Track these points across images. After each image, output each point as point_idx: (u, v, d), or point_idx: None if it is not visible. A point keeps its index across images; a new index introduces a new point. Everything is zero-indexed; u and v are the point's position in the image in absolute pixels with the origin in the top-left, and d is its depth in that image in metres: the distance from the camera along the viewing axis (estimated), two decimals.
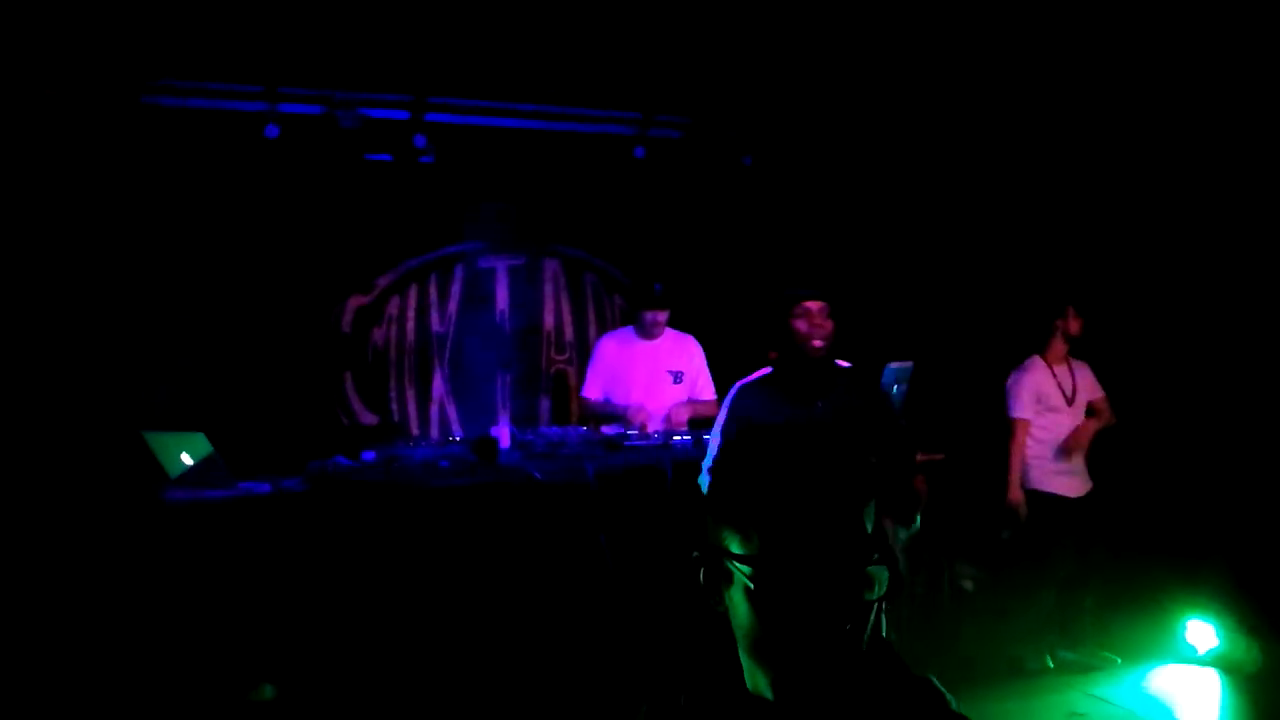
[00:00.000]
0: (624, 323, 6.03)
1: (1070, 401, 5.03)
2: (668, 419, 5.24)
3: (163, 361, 5.60)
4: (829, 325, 3.71)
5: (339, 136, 5.85)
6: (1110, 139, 5.62)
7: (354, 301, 6.32)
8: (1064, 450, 5.02)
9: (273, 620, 4.04)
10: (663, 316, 5.31)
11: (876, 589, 1.06)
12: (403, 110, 6.05)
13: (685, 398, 5.36)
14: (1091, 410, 5.12)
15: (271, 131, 5.72)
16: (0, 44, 4.98)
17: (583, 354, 6.55)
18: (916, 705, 1.13)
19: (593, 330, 6.77)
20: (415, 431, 6.38)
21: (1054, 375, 5.05)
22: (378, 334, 6.40)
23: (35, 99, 5.28)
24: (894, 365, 5.36)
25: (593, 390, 5.43)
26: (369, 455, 4.83)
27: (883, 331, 6.34)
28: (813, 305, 3.72)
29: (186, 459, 4.49)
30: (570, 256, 6.81)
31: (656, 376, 5.34)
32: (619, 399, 5.33)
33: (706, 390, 5.43)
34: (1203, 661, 4.98)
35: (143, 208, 5.63)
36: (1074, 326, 5.01)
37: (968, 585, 5.68)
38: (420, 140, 6.01)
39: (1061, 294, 5.09)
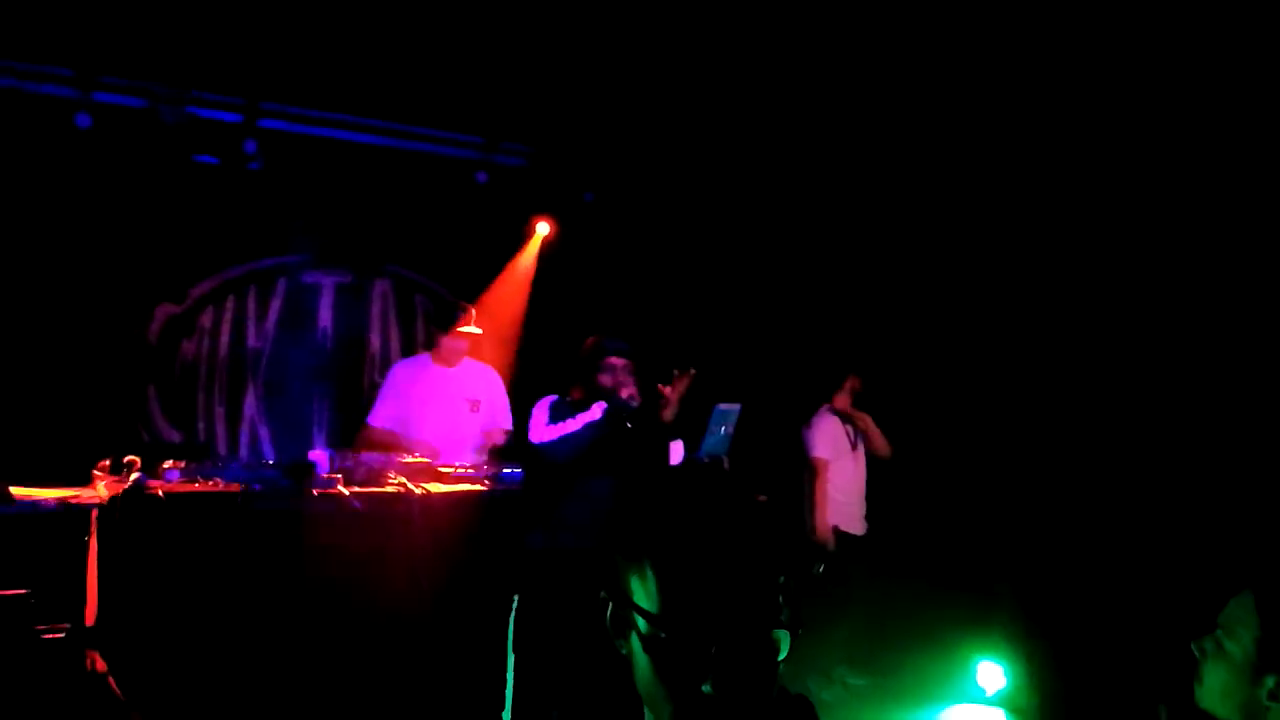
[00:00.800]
0: (431, 342, 5.86)
1: (854, 447, 5.64)
2: (481, 451, 5.14)
3: None
4: (631, 381, 4.21)
5: (161, 133, 5.48)
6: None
7: (164, 310, 5.91)
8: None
9: (51, 646, 3.67)
10: (463, 344, 5.14)
11: (780, 653, 1.05)
12: (234, 113, 5.73)
13: (482, 427, 5.25)
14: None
15: (83, 121, 5.29)
16: None
17: None
18: None
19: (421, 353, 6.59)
20: (223, 451, 5.99)
21: (840, 423, 5.64)
22: (188, 346, 6.00)
23: None
24: (722, 407, 5.47)
25: (380, 418, 5.14)
26: (173, 474, 4.49)
27: (713, 373, 6.47)
28: (617, 361, 4.23)
29: None
30: (403, 277, 6.62)
31: (453, 404, 5.16)
32: (413, 427, 5.09)
33: (505, 420, 5.33)
34: (992, 702, 5.29)
35: None
36: (858, 384, 5.66)
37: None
38: (250, 145, 5.71)
39: (850, 356, 5.77)
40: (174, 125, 5.46)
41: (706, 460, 5.36)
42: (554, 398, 4.26)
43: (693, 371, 4.26)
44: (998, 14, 4.56)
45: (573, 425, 4.07)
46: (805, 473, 5.54)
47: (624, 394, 4.14)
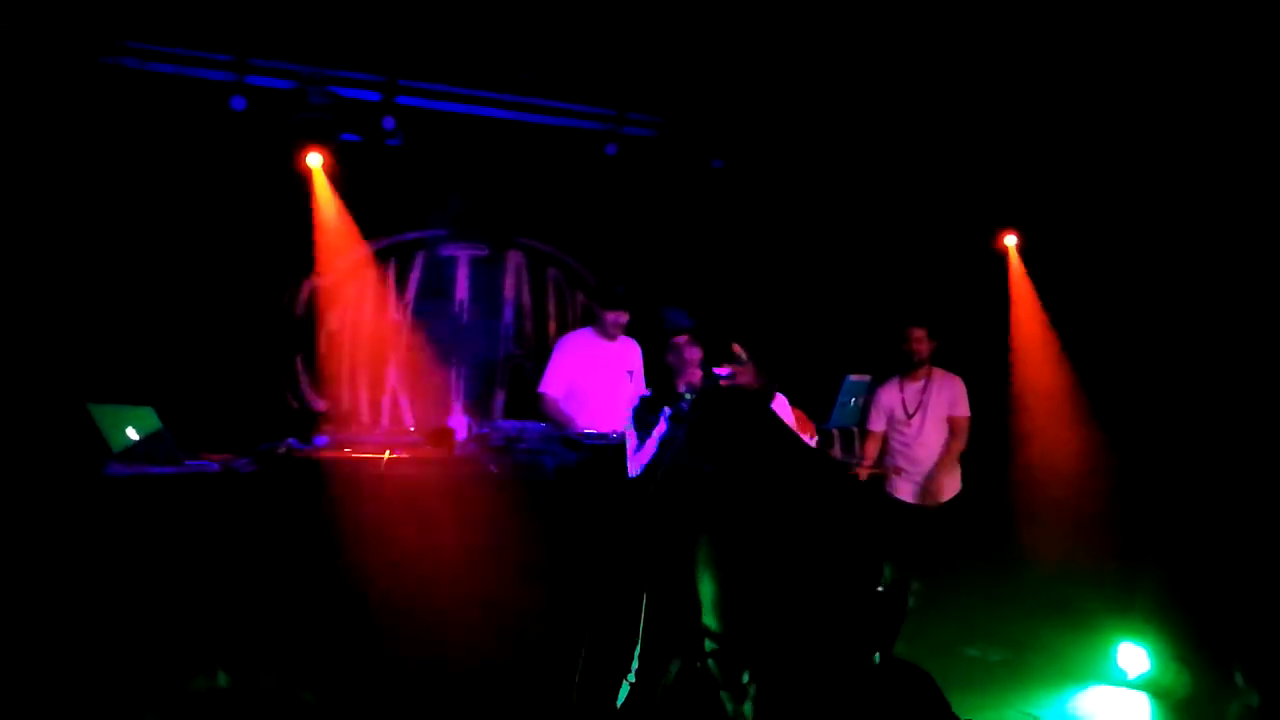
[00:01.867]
0: (584, 319, 6.00)
1: (910, 415, 5.49)
2: None
3: (115, 335, 5.41)
4: (696, 357, 4.00)
5: (307, 113, 5.72)
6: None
7: (311, 284, 6.19)
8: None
9: (219, 602, 3.94)
10: (624, 319, 5.37)
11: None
12: (374, 91, 5.94)
13: (634, 397, 5.39)
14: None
15: (238, 103, 5.57)
16: None
17: (541, 348, 6.49)
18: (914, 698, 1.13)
19: (552, 325, 6.72)
20: (365, 420, 6.26)
21: (901, 391, 5.51)
22: (332, 318, 6.27)
23: None
24: (853, 378, 5.44)
25: (554, 387, 5.40)
26: (321, 440, 4.74)
27: (843, 342, 6.41)
28: (679, 340, 4.09)
29: (133, 433, 4.37)
30: (535, 250, 6.75)
31: (616, 376, 5.40)
32: (579, 396, 5.34)
33: (645, 391, 5.46)
34: (1133, 685, 5.09)
35: (98, 174, 5.44)
36: (916, 348, 5.48)
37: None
38: (389, 123, 5.91)
39: (905, 316, 5.57)
40: (319, 105, 5.69)
41: (835, 431, 5.34)
42: (633, 408, 4.21)
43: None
44: None
45: (649, 449, 4.00)
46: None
47: (683, 381, 3.95)
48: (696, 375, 3.94)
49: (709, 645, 1.07)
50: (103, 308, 5.42)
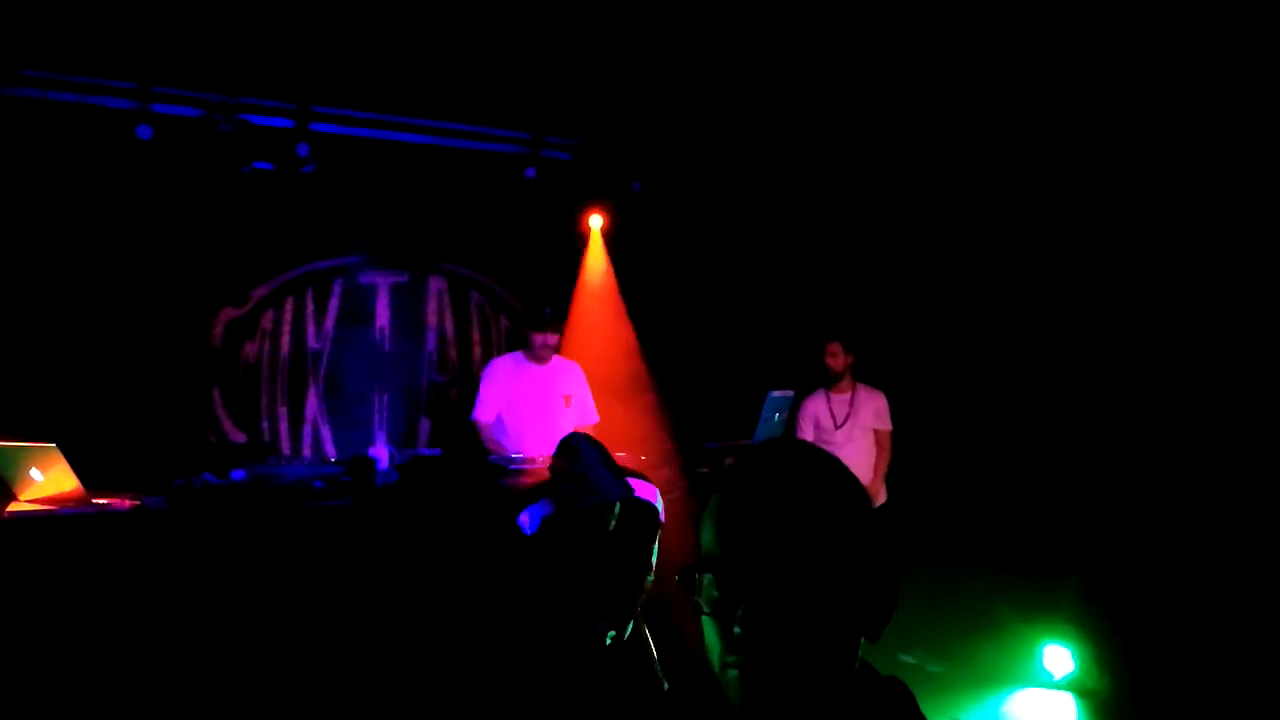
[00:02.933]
0: (510, 344, 5.96)
1: (839, 425, 5.60)
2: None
3: (17, 369, 5.22)
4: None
5: (217, 141, 5.61)
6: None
7: (226, 314, 6.05)
8: None
9: (128, 644, 3.80)
10: (553, 339, 5.24)
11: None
12: (286, 118, 5.85)
13: (574, 423, 5.32)
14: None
15: (144, 132, 5.45)
16: None
17: (465, 374, 6.44)
18: (889, 706, 1.14)
19: (478, 351, 6.66)
20: (286, 451, 6.13)
21: (828, 402, 5.60)
22: (250, 348, 6.14)
23: None
24: (775, 394, 5.49)
25: (485, 413, 5.26)
26: (238, 474, 4.61)
27: (764, 359, 6.48)
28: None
29: (35, 474, 4.20)
30: (456, 274, 6.70)
31: (550, 400, 5.28)
32: (511, 423, 5.23)
33: (591, 415, 5.42)
34: (1059, 686, 5.20)
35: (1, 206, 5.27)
36: (831, 363, 5.60)
37: None
38: (303, 149, 5.83)
39: (825, 330, 5.69)
40: (229, 133, 5.58)
41: (760, 442, 5.36)
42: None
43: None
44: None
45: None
46: None
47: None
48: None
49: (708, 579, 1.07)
50: (6, 342, 5.23)
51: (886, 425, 5.69)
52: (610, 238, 6.82)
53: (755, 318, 6.83)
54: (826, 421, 5.64)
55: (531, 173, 6.46)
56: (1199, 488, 4.72)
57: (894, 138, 6.15)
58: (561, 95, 6.04)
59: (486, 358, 6.18)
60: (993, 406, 5.91)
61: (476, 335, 6.72)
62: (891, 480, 5.79)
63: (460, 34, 5.21)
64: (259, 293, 6.14)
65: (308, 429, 6.27)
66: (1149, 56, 4.59)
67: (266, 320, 6.17)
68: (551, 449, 5.05)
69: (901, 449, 5.81)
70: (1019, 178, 5.73)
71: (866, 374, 5.75)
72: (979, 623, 5.42)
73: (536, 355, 5.24)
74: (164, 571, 3.99)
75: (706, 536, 1.11)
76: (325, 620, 4.10)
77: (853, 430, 5.62)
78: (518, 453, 5.01)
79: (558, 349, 5.32)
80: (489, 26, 5.14)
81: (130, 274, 5.59)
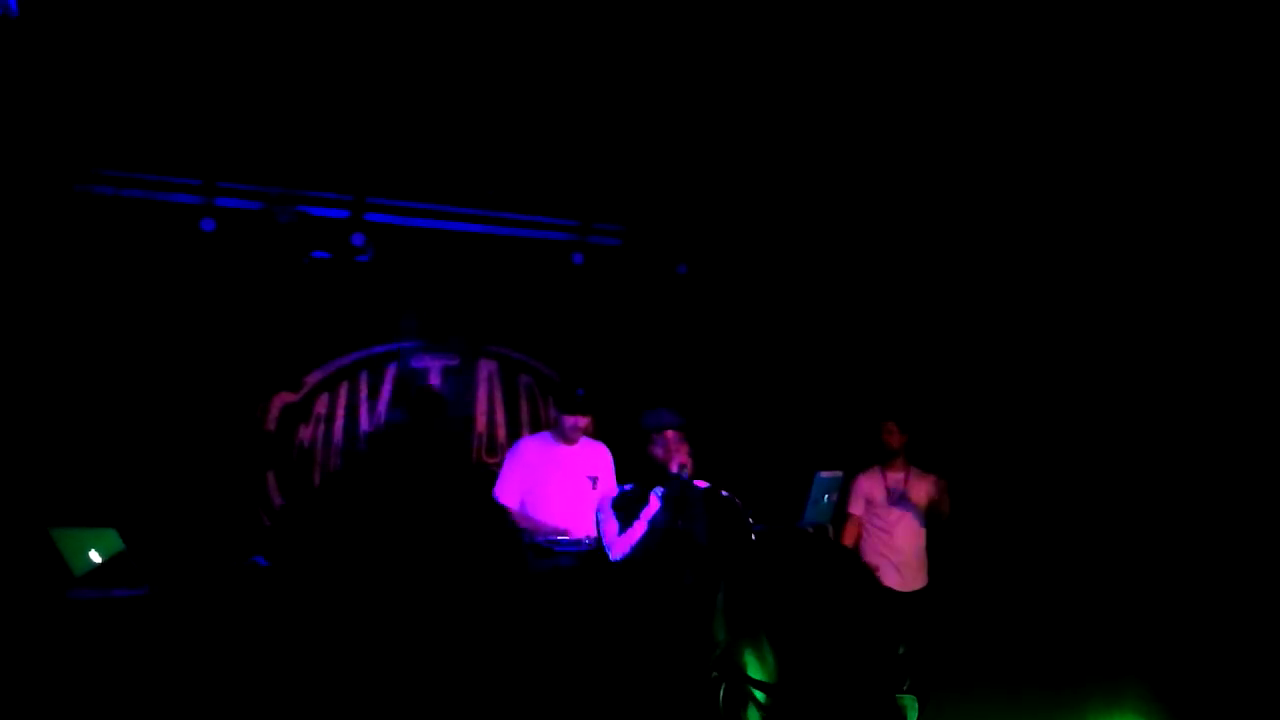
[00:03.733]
0: (554, 423, 5.99)
1: (893, 503, 5.53)
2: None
3: (80, 455, 5.39)
4: (684, 451, 4.21)
5: (276, 233, 5.83)
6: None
7: (281, 399, 6.19)
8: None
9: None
10: (583, 422, 5.21)
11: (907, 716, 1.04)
12: (342, 209, 6.07)
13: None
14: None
15: (207, 225, 5.69)
16: None
17: None
18: None
19: (526, 432, 6.72)
20: None
21: (884, 480, 5.55)
22: (304, 432, 6.26)
23: None
24: (824, 474, 5.43)
25: (507, 495, 5.21)
26: None
27: (813, 441, 6.44)
28: (670, 435, 4.25)
29: (95, 556, 4.30)
30: (506, 358, 6.80)
31: (576, 481, 5.25)
32: (534, 503, 5.18)
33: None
34: None
35: (68, 296, 5.51)
36: (892, 440, 5.53)
37: None
38: (358, 239, 6.02)
39: (882, 409, 5.63)
40: (288, 224, 5.80)
41: (810, 529, 5.30)
42: (611, 499, 4.32)
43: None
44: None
45: (639, 529, 4.09)
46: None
47: (674, 466, 4.14)
48: (683, 462, 4.16)
49: (764, 698, 1.05)
50: (69, 427, 5.41)
51: (945, 508, 5.54)
52: (657, 322, 6.89)
53: (803, 398, 6.82)
54: (879, 498, 5.54)
55: (579, 258, 6.59)
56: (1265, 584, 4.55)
57: (946, 215, 6.18)
58: (608, 184, 6.19)
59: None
60: (1046, 497, 5.77)
61: (525, 416, 6.79)
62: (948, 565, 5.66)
63: (509, 126, 5.40)
64: (313, 378, 6.28)
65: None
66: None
67: (321, 405, 6.30)
68: (578, 529, 5.06)
69: (958, 532, 5.68)
70: (1076, 258, 5.71)
71: (917, 457, 5.66)
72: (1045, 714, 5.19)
73: (566, 436, 5.23)
74: (214, 649, 4.03)
75: (754, 669, 1.09)
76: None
77: (905, 509, 5.52)
78: (549, 533, 5.00)
79: (589, 431, 5.31)
80: (537, 118, 5.32)
81: (191, 361, 5.78)
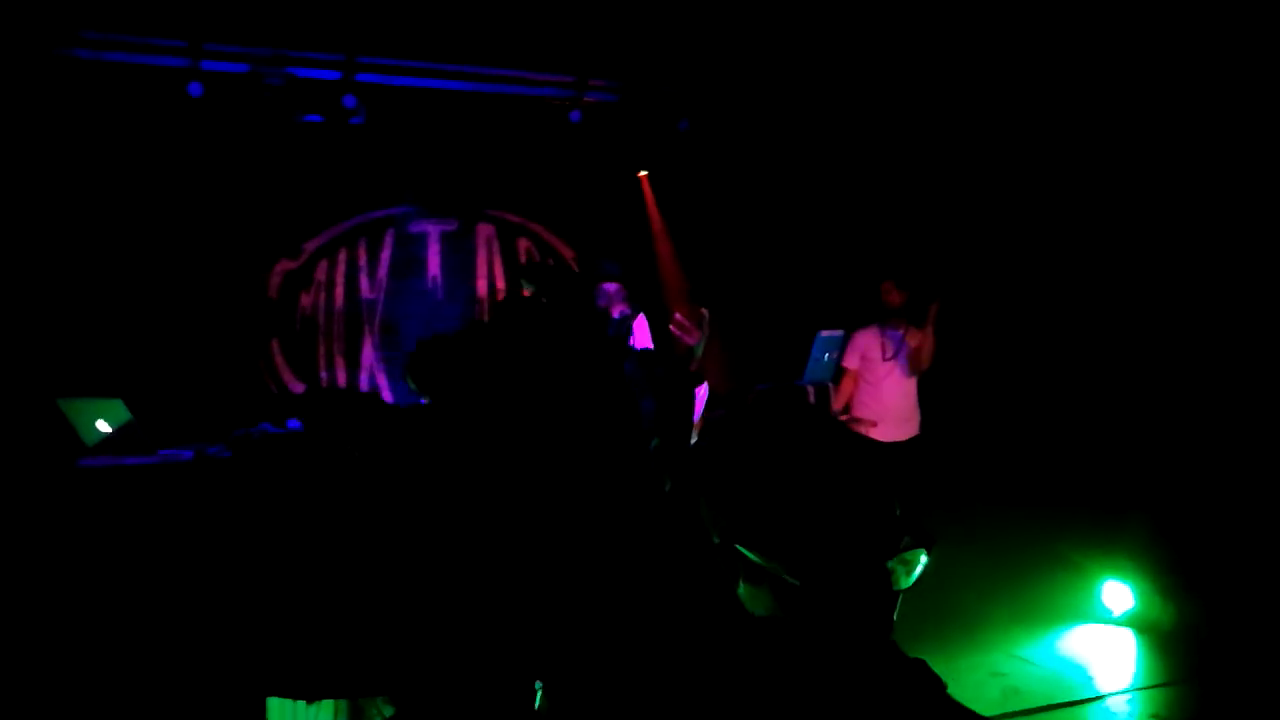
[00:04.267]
0: None
1: (886, 359, 5.54)
2: None
3: (82, 326, 5.41)
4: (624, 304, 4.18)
5: (266, 96, 5.68)
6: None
7: (281, 266, 6.18)
8: None
9: (199, 590, 3.96)
10: (612, 288, 5.21)
11: (908, 575, 1.05)
12: (333, 70, 5.89)
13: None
14: None
15: (195, 89, 5.54)
16: None
17: None
18: (913, 691, 1.08)
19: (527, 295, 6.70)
20: None
21: (880, 336, 5.56)
22: (305, 300, 6.27)
23: None
24: (824, 334, 5.43)
25: None
26: (294, 423, 4.74)
27: (814, 299, 6.41)
28: (609, 286, 4.19)
29: (104, 426, 4.38)
30: (505, 221, 6.73)
31: None
32: None
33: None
34: (1119, 622, 5.13)
35: (57, 167, 5.42)
36: (891, 298, 5.51)
37: None
38: (350, 101, 5.87)
39: (881, 268, 5.60)
40: (278, 87, 5.65)
41: (808, 386, 5.34)
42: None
43: (705, 311, 4.14)
44: None
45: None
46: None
47: (615, 313, 4.12)
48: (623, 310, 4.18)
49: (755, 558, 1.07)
50: (69, 300, 5.42)
51: (924, 361, 5.57)
52: (658, 179, 6.77)
53: (806, 257, 6.74)
54: (874, 354, 5.57)
55: (576, 116, 6.42)
56: (1266, 420, 4.58)
57: (956, 73, 5.96)
58: (605, 36, 5.97)
59: None
60: (1052, 338, 5.77)
61: None
62: (948, 415, 5.72)
63: None
64: (312, 245, 6.24)
65: (364, 377, 6.40)
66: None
67: (321, 272, 6.28)
68: None
69: (957, 382, 5.73)
70: (1073, 128, 5.53)
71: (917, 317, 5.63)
72: (1036, 559, 5.34)
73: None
74: (224, 518, 4.13)
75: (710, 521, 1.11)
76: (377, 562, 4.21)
77: (897, 364, 5.56)
78: None
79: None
80: None
81: (187, 230, 5.73)
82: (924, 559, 1.05)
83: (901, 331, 5.55)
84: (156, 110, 5.59)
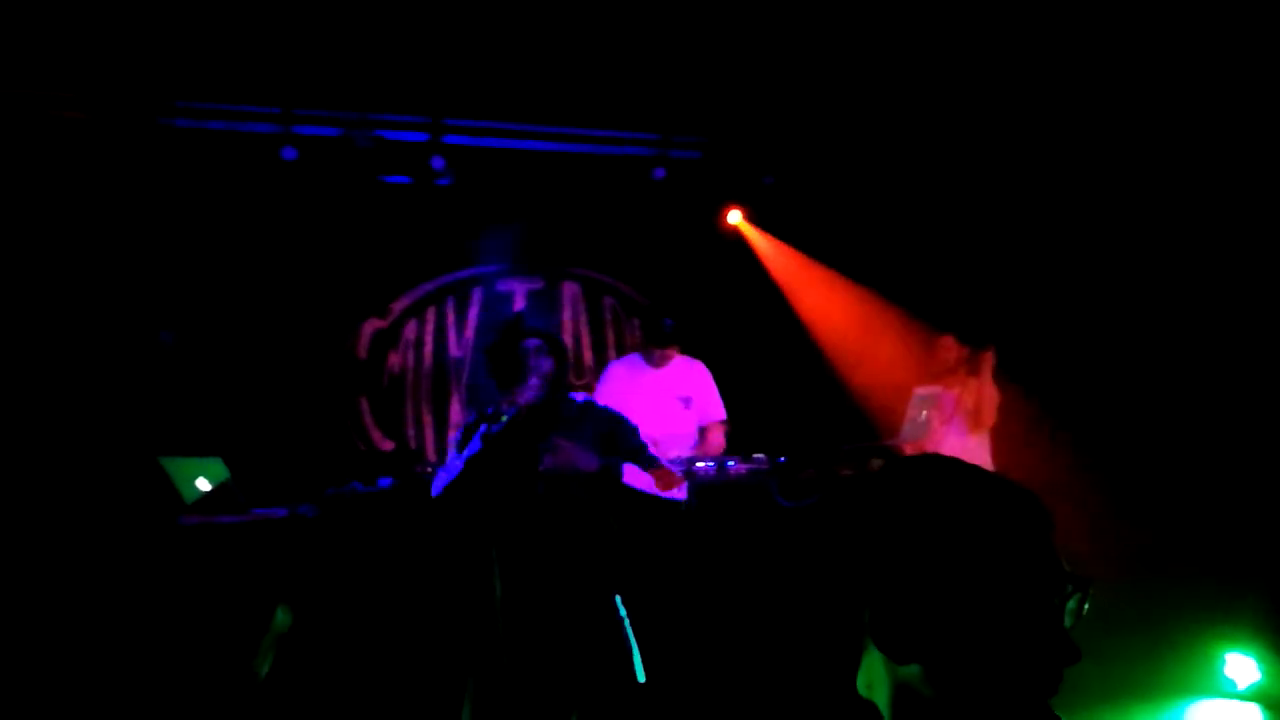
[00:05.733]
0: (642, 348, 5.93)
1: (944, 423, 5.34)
2: (699, 446, 5.14)
3: (181, 387, 5.54)
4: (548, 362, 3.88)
5: (355, 158, 5.80)
6: None
7: (370, 326, 6.25)
8: None
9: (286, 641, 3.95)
10: (672, 352, 5.19)
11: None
12: (420, 132, 5.99)
13: (695, 423, 5.25)
14: None
15: (289, 153, 5.68)
16: (16, 62, 4.99)
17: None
18: None
19: (611, 353, 6.68)
20: (432, 458, 6.28)
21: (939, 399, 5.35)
22: (394, 359, 6.32)
23: (50, 120, 5.28)
24: (921, 391, 5.29)
25: None
26: (385, 481, 4.74)
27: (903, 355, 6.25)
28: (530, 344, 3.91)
29: (203, 484, 4.43)
30: (590, 279, 6.74)
31: (666, 403, 5.20)
32: None
33: (717, 412, 5.30)
34: (1244, 696, 4.83)
35: (158, 231, 5.61)
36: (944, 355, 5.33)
37: None
38: (438, 162, 5.96)
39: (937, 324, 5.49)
40: (367, 149, 5.76)
41: (905, 446, 5.19)
42: (460, 427, 4.10)
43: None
44: None
45: (454, 467, 3.82)
46: None
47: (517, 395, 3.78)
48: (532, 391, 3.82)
49: None
50: (170, 361, 5.56)
51: (987, 421, 5.30)
52: (740, 233, 6.74)
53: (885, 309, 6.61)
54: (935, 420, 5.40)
55: (660, 173, 6.42)
56: None
57: (1039, 128, 5.83)
58: (688, 95, 5.98)
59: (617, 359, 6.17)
60: (1163, 397, 5.52)
61: (611, 338, 6.74)
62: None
63: (584, 40, 5.23)
64: (400, 305, 6.32)
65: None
66: None
67: (409, 331, 6.34)
68: (669, 450, 5.01)
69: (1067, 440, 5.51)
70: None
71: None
72: (1155, 630, 5.05)
73: (654, 361, 5.20)
74: (317, 574, 4.13)
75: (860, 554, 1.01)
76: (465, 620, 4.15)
77: (949, 427, 5.35)
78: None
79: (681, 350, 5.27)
80: (613, 31, 5.14)
81: (280, 291, 5.87)
82: (1086, 603, 0.98)
83: (957, 390, 5.35)
84: (252, 175, 5.75)
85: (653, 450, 4.91)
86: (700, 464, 4.79)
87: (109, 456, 5.06)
